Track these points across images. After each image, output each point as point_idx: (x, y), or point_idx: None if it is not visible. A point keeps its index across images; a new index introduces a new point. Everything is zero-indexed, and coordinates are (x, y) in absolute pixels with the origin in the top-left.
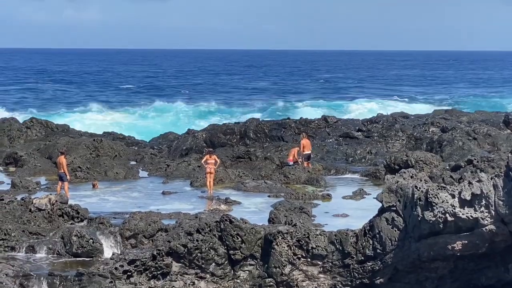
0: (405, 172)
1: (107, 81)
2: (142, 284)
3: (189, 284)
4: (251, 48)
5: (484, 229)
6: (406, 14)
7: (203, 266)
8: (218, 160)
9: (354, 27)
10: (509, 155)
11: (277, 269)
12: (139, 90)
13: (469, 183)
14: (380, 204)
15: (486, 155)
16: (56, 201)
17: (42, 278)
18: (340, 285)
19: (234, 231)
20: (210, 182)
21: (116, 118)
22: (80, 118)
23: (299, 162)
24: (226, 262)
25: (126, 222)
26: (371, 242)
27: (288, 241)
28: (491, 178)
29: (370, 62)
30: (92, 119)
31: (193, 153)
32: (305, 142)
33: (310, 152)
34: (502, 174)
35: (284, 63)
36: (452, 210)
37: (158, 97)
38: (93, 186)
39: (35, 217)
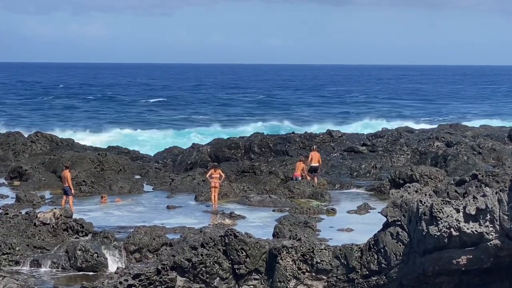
0: (409, 187)
1: (115, 97)
2: None
3: None
4: (256, 63)
5: (489, 243)
6: (412, 29)
7: (207, 280)
8: (223, 175)
9: (359, 42)
10: None
11: (282, 283)
12: (146, 105)
13: (474, 197)
14: (385, 219)
15: (491, 169)
16: (61, 215)
17: None
18: None
19: (238, 246)
20: (214, 196)
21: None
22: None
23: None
24: (230, 277)
25: (130, 236)
26: (375, 256)
27: (293, 256)
28: (496, 193)
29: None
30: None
31: (197, 168)
32: (313, 154)
33: (317, 165)
34: (507, 189)
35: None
36: (457, 225)
37: (172, 111)
38: (102, 197)
39: (40, 231)
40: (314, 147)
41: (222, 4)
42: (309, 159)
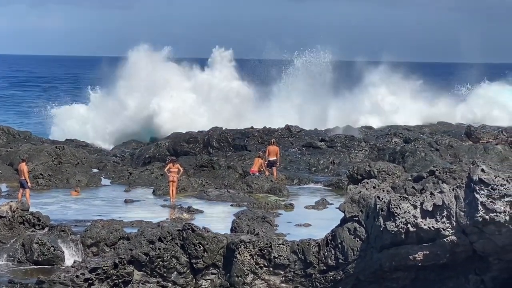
0: (367, 183)
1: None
2: None
3: None
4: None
5: (445, 239)
6: (368, 24)
7: (164, 274)
8: (181, 169)
9: (316, 37)
10: (471, 166)
11: (239, 278)
12: None
13: (431, 194)
14: (343, 214)
15: (448, 166)
16: (17, 208)
17: (2, 286)
18: None
19: (196, 240)
20: (172, 190)
21: None
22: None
23: (264, 171)
24: (188, 271)
25: (87, 230)
26: (333, 252)
27: (251, 250)
28: (453, 189)
29: None
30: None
31: (156, 162)
32: (270, 148)
33: (274, 158)
34: (464, 185)
35: None
36: (414, 221)
37: None
38: (75, 190)
39: None
40: (273, 140)
41: None
42: (266, 153)
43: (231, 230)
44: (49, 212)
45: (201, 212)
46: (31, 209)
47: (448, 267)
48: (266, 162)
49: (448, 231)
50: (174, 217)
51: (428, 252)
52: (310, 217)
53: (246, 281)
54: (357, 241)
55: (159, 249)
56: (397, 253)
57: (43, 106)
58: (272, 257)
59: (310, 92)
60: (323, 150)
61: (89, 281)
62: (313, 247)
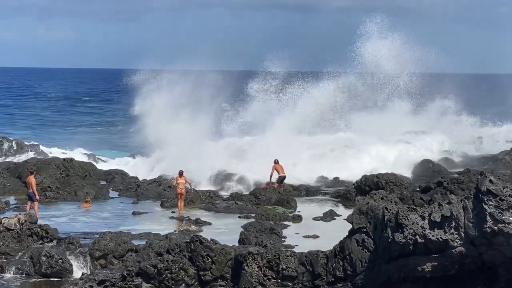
0: (375, 194)
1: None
2: None
3: None
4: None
5: (453, 250)
6: None
7: (173, 287)
8: (189, 181)
9: (324, 48)
10: (479, 177)
11: None
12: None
13: (439, 205)
14: (351, 226)
15: (456, 177)
16: (25, 221)
17: None
18: None
19: (204, 252)
20: (180, 202)
21: None
22: None
23: (274, 185)
24: (196, 283)
25: (96, 242)
26: (341, 263)
27: (259, 262)
28: (461, 200)
29: None
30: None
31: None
32: (277, 166)
33: (285, 175)
34: (472, 196)
35: None
36: (422, 232)
37: None
38: (86, 202)
39: (4, 237)
40: (276, 160)
41: (188, 11)
42: (276, 171)
43: (239, 242)
44: (57, 224)
45: (209, 224)
46: (39, 222)
47: (456, 278)
48: (278, 179)
49: (456, 242)
50: (182, 229)
51: (436, 263)
52: (318, 229)
53: None
54: (365, 252)
55: (167, 261)
56: (405, 264)
57: None
58: (280, 269)
59: None
60: None
61: None
62: (321, 258)
